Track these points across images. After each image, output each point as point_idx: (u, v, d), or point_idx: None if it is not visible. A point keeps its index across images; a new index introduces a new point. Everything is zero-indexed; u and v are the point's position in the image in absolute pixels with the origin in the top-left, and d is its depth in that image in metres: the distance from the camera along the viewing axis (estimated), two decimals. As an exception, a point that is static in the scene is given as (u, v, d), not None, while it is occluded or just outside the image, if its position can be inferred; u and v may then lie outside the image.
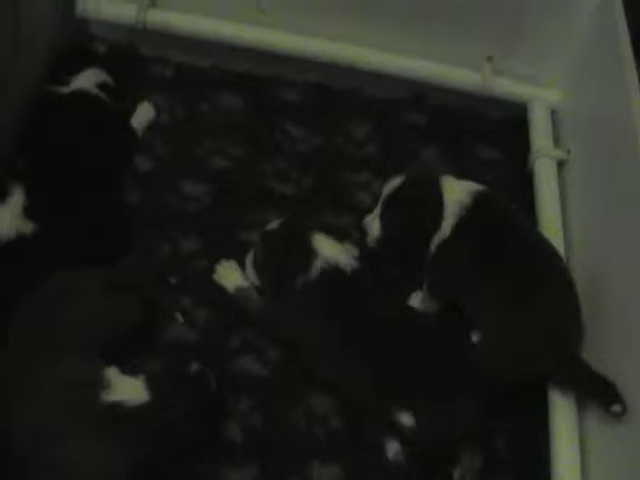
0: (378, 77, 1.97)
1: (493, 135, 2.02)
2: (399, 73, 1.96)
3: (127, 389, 1.42)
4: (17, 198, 1.59)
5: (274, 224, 1.65)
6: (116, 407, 1.39)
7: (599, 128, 1.75)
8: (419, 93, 2.04)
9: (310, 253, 1.57)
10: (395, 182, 1.66)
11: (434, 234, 1.61)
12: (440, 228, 1.60)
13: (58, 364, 1.42)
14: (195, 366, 1.49)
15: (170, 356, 1.58)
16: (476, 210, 1.60)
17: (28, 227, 1.58)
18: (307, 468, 1.51)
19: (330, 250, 1.58)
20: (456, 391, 1.48)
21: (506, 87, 1.97)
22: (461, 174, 1.88)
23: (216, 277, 1.68)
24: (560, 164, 1.87)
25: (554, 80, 1.96)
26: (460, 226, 1.60)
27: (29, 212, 1.59)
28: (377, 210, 1.68)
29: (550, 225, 1.77)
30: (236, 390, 1.59)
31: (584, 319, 1.56)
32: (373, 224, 1.69)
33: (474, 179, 1.88)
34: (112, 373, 1.44)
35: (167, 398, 1.44)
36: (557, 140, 1.92)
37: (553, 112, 1.97)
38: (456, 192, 1.62)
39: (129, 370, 1.46)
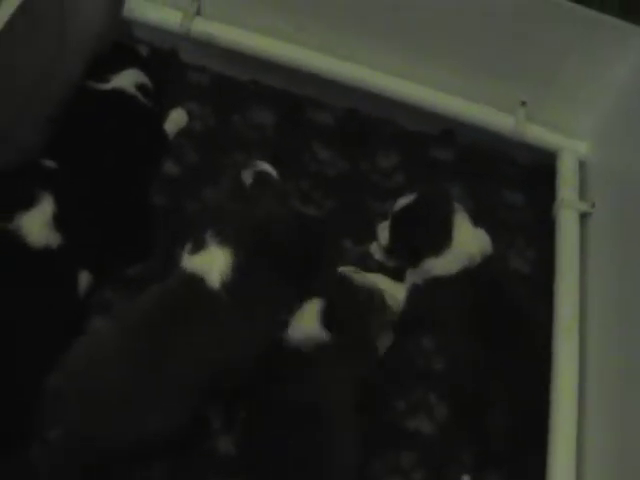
0: (412, 109, 1.98)
1: (519, 180, 2.03)
2: (433, 108, 1.96)
3: None
4: (46, 206, 1.59)
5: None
6: None
7: (626, 184, 1.75)
8: (450, 130, 2.05)
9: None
10: (409, 199, 1.74)
11: (431, 257, 1.68)
12: (441, 255, 1.67)
13: None
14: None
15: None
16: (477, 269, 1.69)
17: (56, 238, 1.58)
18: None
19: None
20: None
21: (537, 134, 1.97)
22: (483, 214, 1.90)
23: None
24: (583, 215, 1.87)
25: (585, 131, 1.96)
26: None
27: (57, 218, 1.59)
28: (388, 221, 1.77)
29: (567, 277, 1.77)
30: (232, 403, 1.61)
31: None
32: (382, 233, 1.77)
33: (496, 220, 1.91)
34: None
35: None
36: (583, 191, 1.92)
37: (581, 163, 1.97)
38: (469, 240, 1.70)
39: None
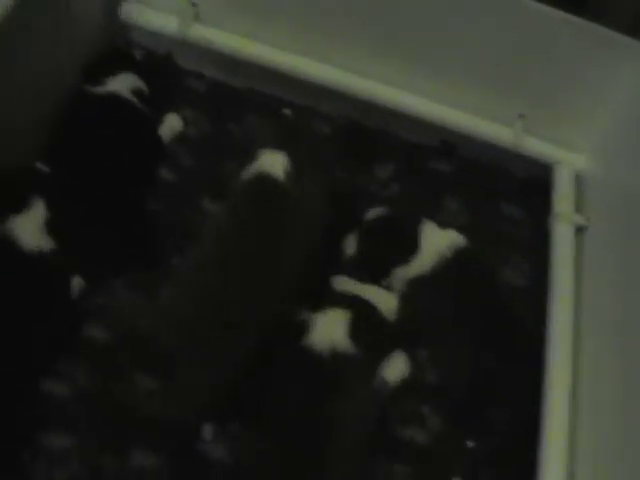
0: (410, 120, 1.98)
1: (516, 192, 2.03)
2: (431, 120, 1.96)
3: None
4: (39, 210, 1.58)
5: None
6: None
7: (623, 198, 1.75)
8: (449, 142, 2.04)
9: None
10: (378, 211, 1.78)
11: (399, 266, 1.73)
12: (408, 264, 1.72)
13: None
14: None
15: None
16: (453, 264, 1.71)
17: (48, 243, 1.57)
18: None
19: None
20: None
21: (534, 146, 1.97)
22: (479, 226, 1.91)
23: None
24: (579, 229, 1.87)
25: (583, 145, 1.97)
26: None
27: (50, 223, 1.58)
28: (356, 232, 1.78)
29: (562, 290, 1.77)
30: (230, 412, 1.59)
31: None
32: (350, 242, 1.77)
33: (492, 233, 1.90)
34: None
35: None
36: (579, 205, 1.92)
37: (578, 177, 1.97)
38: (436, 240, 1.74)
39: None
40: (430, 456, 1.64)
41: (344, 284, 1.74)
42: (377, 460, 1.61)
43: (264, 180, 1.63)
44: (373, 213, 1.79)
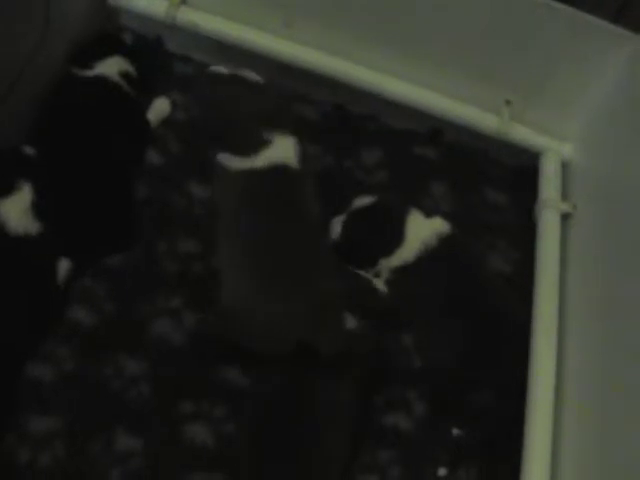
0: (397, 107, 1.97)
1: (502, 179, 2.03)
2: (419, 106, 1.96)
3: None
4: (25, 193, 1.58)
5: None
6: None
7: (608, 186, 1.76)
8: (436, 128, 2.04)
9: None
10: (366, 200, 1.77)
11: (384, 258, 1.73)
12: (393, 254, 1.72)
13: None
14: None
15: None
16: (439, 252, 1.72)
17: (35, 226, 1.57)
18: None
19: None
20: None
21: (521, 134, 1.98)
22: (466, 214, 1.91)
23: None
24: (565, 216, 1.88)
25: (570, 133, 1.97)
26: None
27: (36, 206, 1.58)
28: (343, 216, 1.77)
29: (547, 277, 1.78)
30: (214, 397, 1.60)
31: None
32: (335, 227, 1.77)
33: (478, 220, 1.90)
34: None
35: None
36: (565, 192, 1.93)
37: (565, 165, 1.97)
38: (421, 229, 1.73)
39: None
40: (415, 443, 1.64)
41: None
42: (362, 446, 1.61)
43: (282, 172, 1.61)
44: (359, 202, 1.78)
